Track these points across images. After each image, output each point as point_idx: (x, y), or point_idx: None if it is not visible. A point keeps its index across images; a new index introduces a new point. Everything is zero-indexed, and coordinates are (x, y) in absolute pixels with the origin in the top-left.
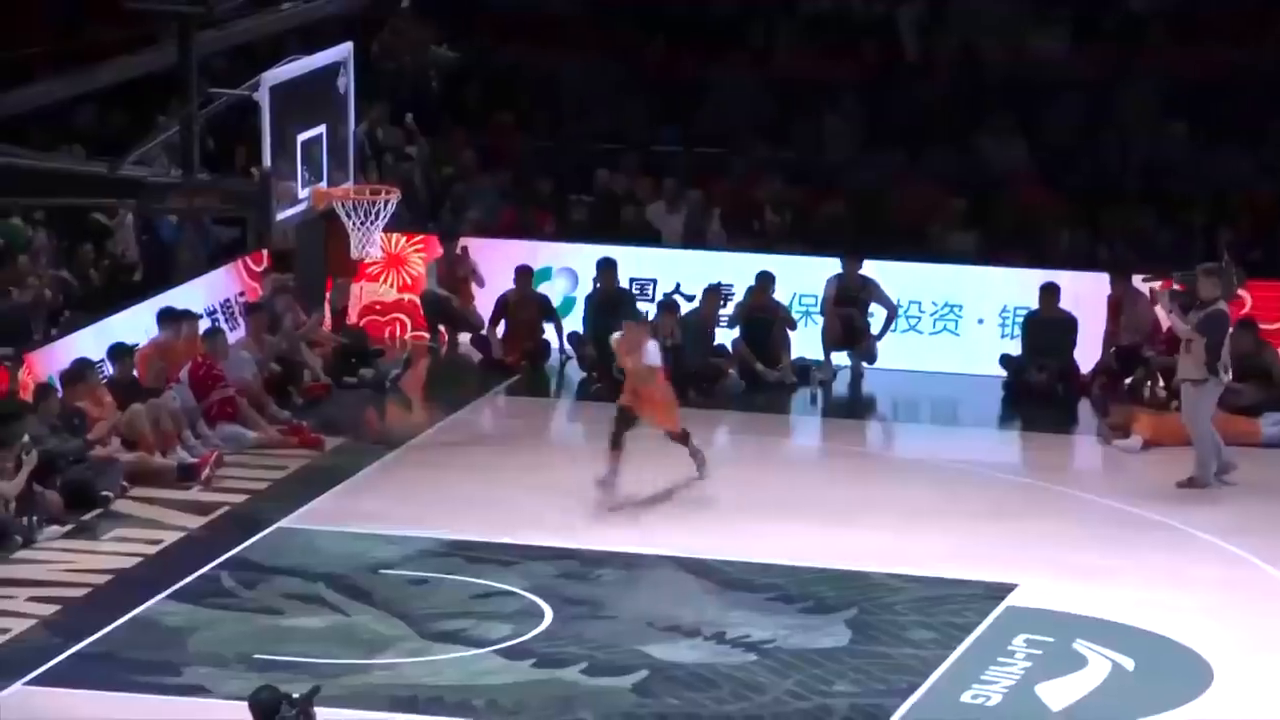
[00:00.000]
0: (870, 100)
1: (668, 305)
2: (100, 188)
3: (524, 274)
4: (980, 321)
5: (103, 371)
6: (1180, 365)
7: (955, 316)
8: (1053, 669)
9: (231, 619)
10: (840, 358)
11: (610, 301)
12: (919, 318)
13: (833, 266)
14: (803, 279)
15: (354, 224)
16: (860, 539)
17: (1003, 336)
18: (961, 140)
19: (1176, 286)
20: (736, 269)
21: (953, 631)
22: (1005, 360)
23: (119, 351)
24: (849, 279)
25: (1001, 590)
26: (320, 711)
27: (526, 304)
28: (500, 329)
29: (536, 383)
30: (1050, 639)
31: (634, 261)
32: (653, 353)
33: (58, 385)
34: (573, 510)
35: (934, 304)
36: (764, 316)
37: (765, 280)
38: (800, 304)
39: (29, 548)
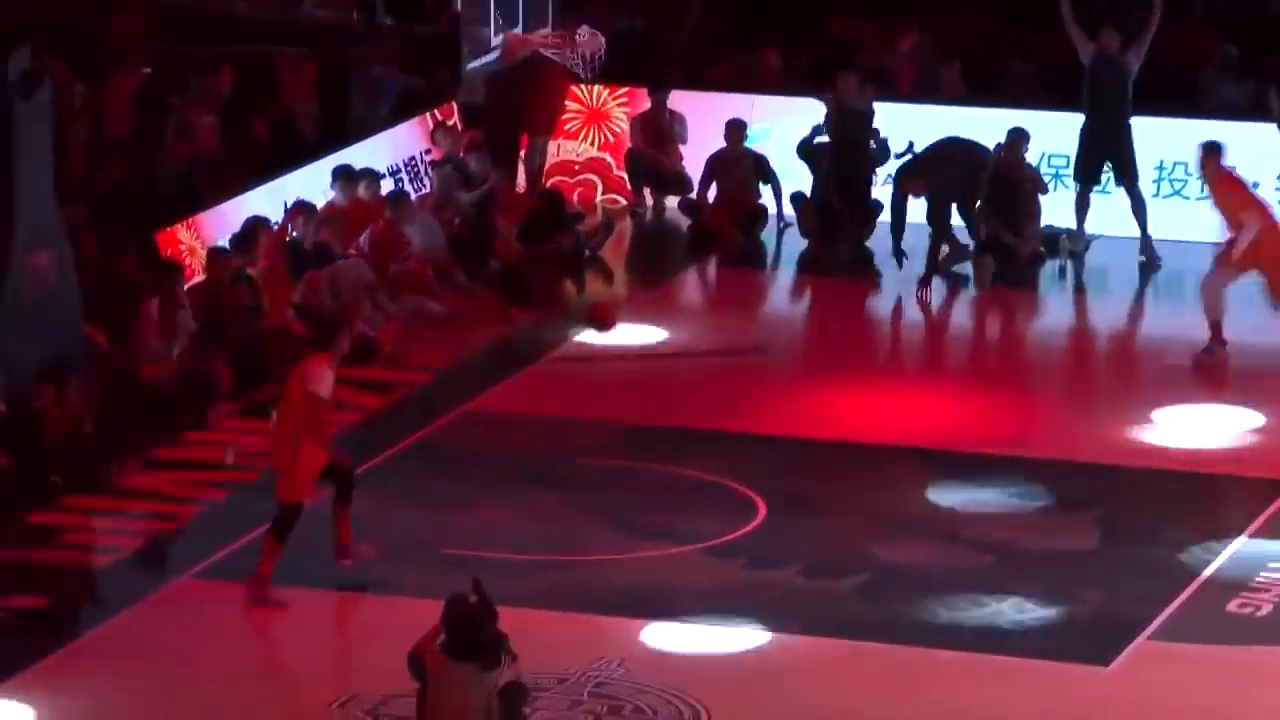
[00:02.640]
0: None
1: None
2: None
3: (736, 129)
4: (1256, 185)
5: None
6: None
7: None
8: None
9: (416, 509)
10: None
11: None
12: (1185, 180)
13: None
14: (1053, 138)
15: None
16: (1111, 429)
17: None
18: None
19: None
20: (978, 125)
21: (1218, 533)
22: None
23: (301, 209)
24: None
25: (1273, 487)
26: (513, 612)
27: (739, 163)
28: (711, 192)
29: (751, 252)
30: None
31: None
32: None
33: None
34: (789, 395)
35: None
36: (1012, 179)
37: (1017, 138)
38: (1049, 165)
39: (197, 427)
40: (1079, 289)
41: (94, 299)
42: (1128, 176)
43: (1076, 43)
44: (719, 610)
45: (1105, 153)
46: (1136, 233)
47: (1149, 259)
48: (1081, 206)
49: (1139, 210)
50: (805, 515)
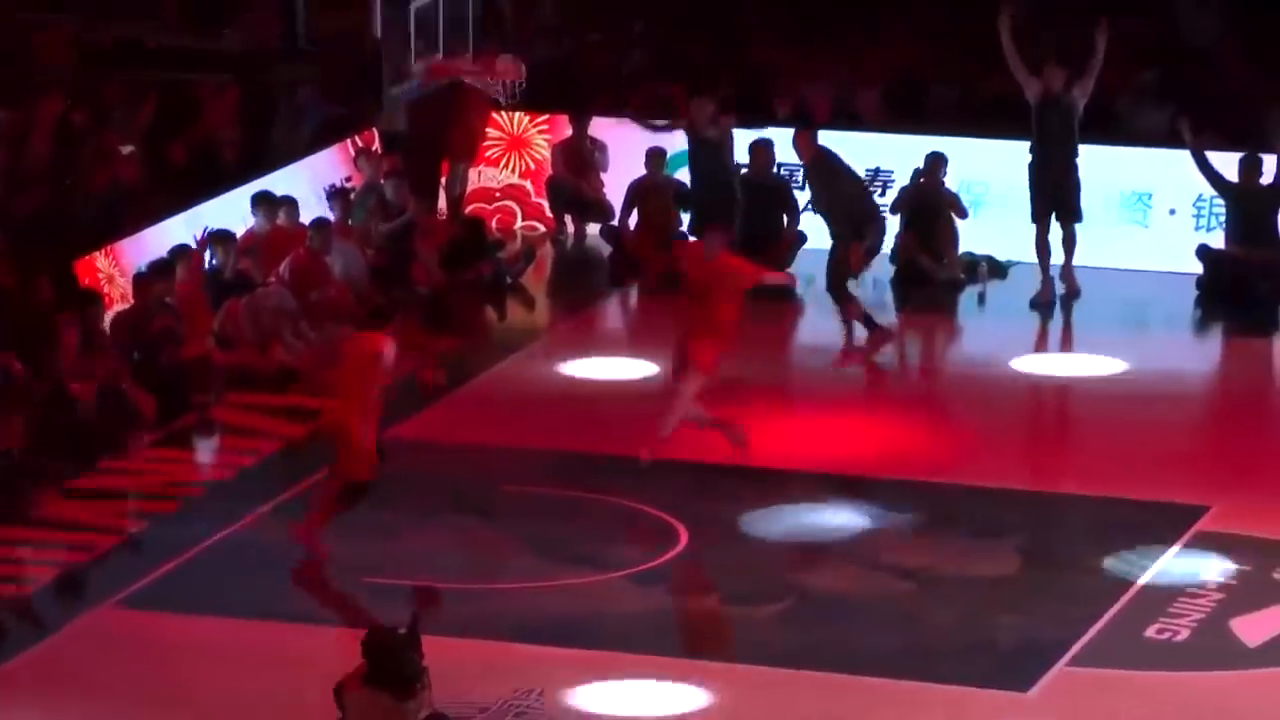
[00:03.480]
0: None
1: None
2: (197, 60)
3: (656, 157)
4: (1172, 212)
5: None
6: None
7: (1144, 206)
8: (1249, 601)
9: (337, 538)
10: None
11: (763, 189)
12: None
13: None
14: (971, 164)
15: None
16: (1031, 456)
17: (1198, 229)
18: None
19: None
20: (898, 152)
21: (1136, 559)
22: (1203, 252)
23: (220, 238)
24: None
25: (1192, 513)
26: (436, 640)
27: (660, 191)
28: (633, 219)
29: (673, 279)
30: (1246, 567)
31: (786, 144)
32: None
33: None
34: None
35: (1120, 192)
36: (931, 204)
37: (935, 162)
38: (970, 191)
39: (117, 457)
40: (998, 314)
41: (10, 326)
42: (1069, 216)
43: (1021, 82)
44: (641, 638)
45: (1052, 191)
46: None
47: (1069, 288)
48: (1042, 250)
49: (1069, 244)
50: (727, 542)
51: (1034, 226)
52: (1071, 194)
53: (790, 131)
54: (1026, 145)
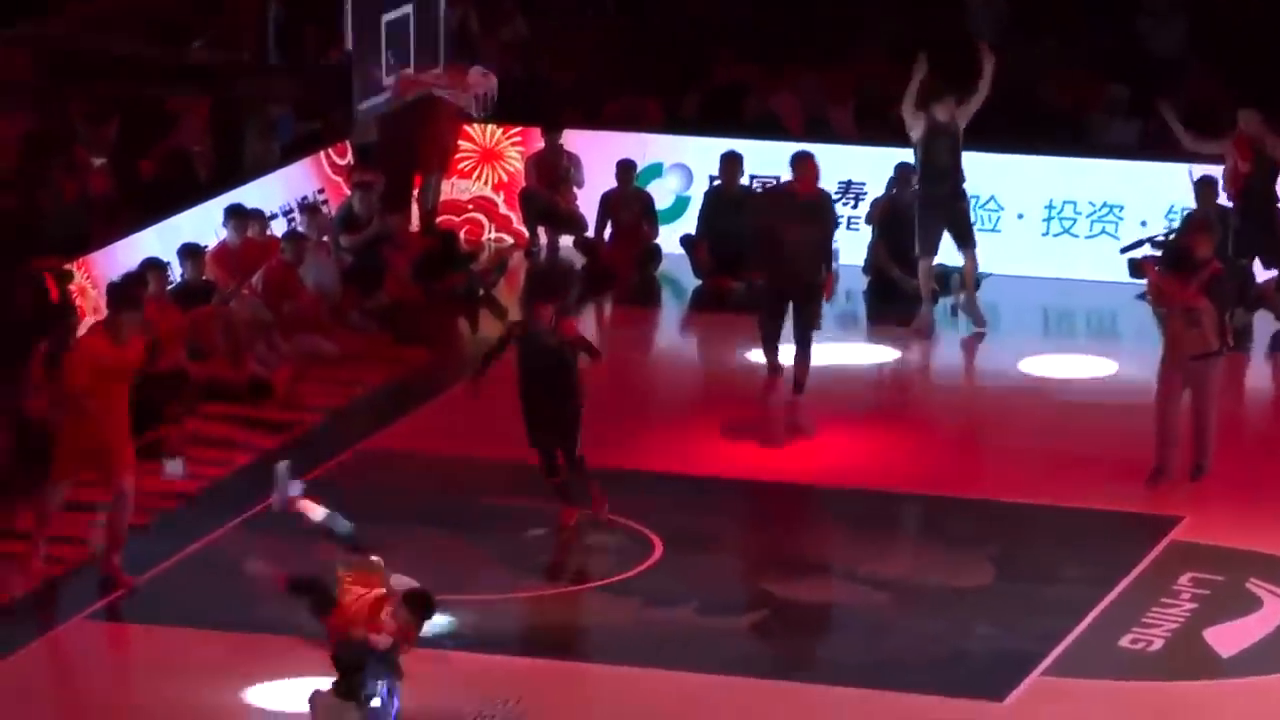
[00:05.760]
0: None
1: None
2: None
3: (626, 169)
4: (1143, 224)
5: (170, 275)
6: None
7: (1115, 219)
8: (1222, 611)
9: (310, 549)
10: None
11: (733, 201)
12: (1074, 219)
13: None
14: None
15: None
16: (1004, 467)
17: None
18: (1120, 22)
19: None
20: (869, 164)
21: (1109, 569)
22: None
23: (190, 252)
24: None
25: (1165, 524)
26: (409, 651)
27: (629, 203)
28: (607, 231)
29: (646, 291)
30: (1219, 577)
31: (755, 156)
32: None
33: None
34: (684, 433)
35: (1091, 204)
36: (902, 216)
37: (905, 173)
38: None
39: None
40: (970, 326)
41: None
42: (967, 243)
43: (907, 118)
44: (614, 649)
45: (944, 223)
46: (1026, 271)
47: (974, 320)
48: (927, 279)
49: (972, 273)
50: (701, 553)
51: (924, 262)
52: (966, 221)
53: (760, 144)
54: (989, 158)
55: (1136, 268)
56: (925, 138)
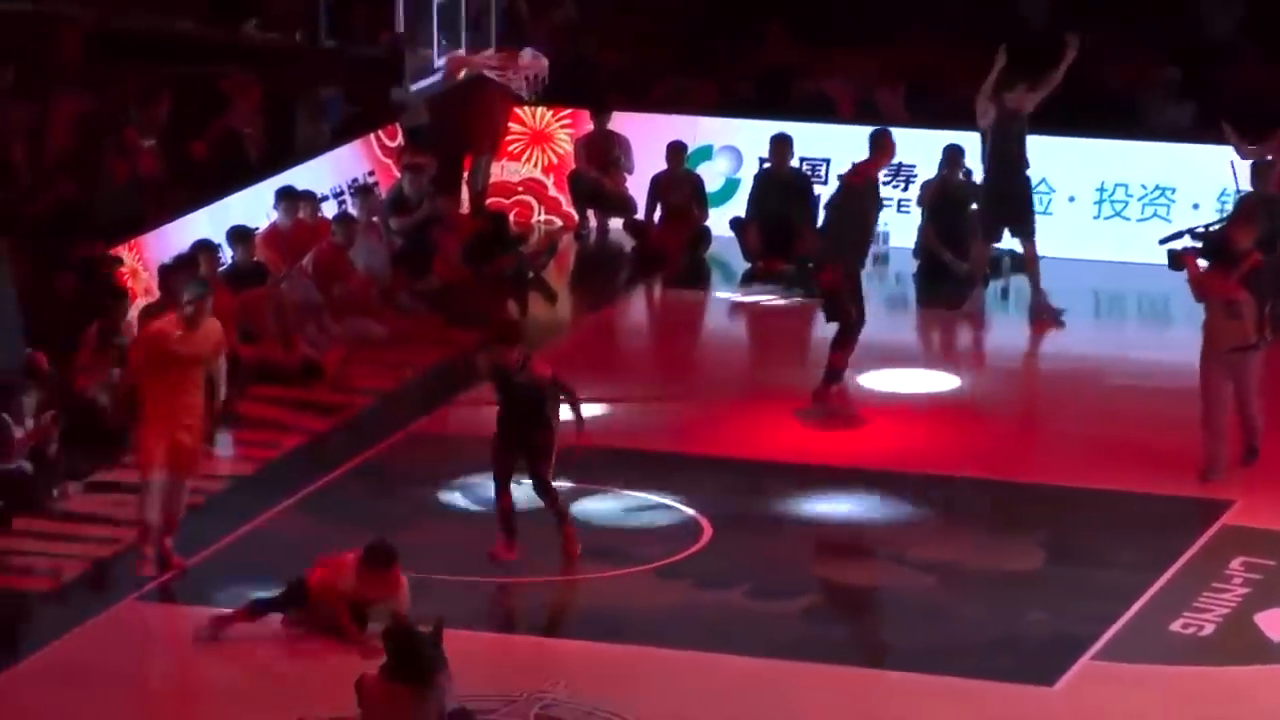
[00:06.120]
0: None
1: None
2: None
3: (676, 151)
4: (1195, 207)
5: (221, 257)
6: None
7: (1167, 201)
8: (1274, 595)
9: (360, 531)
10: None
11: (782, 183)
12: (1125, 202)
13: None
14: None
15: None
16: (1055, 451)
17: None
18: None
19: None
20: (919, 146)
21: (1160, 554)
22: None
23: (239, 235)
24: None
25: (1216, 508)
26: (459, 634)
27: (679, 185)
28: (657, 214)
29: (695, 273)
30: (1271, 562)
31: (805, 138)
32: None
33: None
34: (734, 416)
35: (1143, 186)
36: (954, 198)
37: (955, 155)
38: None
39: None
40: (1021, 310)
41: (34, 321)
42: (1028, 234)
43: (980, 106)
44: (665, 632)
45: (1008, 211)
46: (1077, 254)
47: (1050, 314)
48: (981, 263)
49: (1033, 265)
50: (751, 536)
51: (986, 245)
52: (1030, 211)
53: (809, 126)
54: (1041, 140)
55: (1176, 259)
56: (995, 125)
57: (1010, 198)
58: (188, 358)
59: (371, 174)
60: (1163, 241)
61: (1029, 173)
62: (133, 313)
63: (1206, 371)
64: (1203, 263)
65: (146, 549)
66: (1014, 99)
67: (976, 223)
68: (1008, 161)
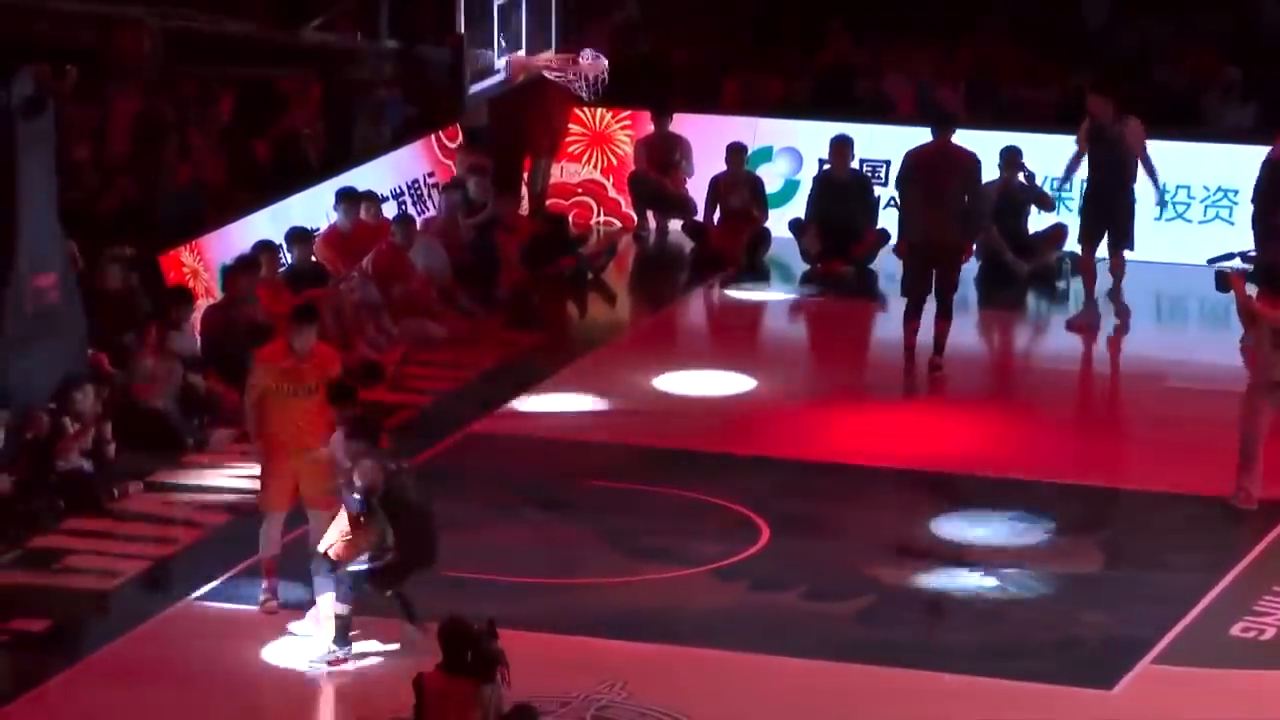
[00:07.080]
0: None
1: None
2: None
3: (736, 153)
4: None
5: (281, 258)
6: None
7: (1229, 203)
8: None
9: None
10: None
11: (842, 185)
12: (1188, 204)
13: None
14: (1053, 158)
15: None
16: (1115, 453)
17: None
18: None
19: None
20: (979, 147)
21: (1220, 556)
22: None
23: (298, 236)
24: None
25: (1277, 511)
26: (515, 635)
27: (738, 187)
28: (716, 215)
29: (755, 275)
30: None
31: (865, 140)
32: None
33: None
34: (792, 418)
35: (1205, 188)
36: (1017, 199)
37: (1013, 156)
38: (1052, 185)
39: (199, 451)
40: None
41: (96, 322)
42: (1120, 242)
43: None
44: (721, 633)
45: (1107, 217)
46: (1139, 257)
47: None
48: (1090, 271)
49: (1118, 271)
50: (808, 538)
51: (1084, 251)
52: (1128, 225)
53: (869, 127)
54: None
55: (1223, 281)
56: (1091, 130)
57: (1115, 208)
58: (291, 386)
59: (431, 175)
60: (1211, 262)
61: (1134, 184)
62: (195, 315)
63: (1251, 400)
64: (1251, 288)
65: (267, 583)
66: (1102, 107)
67: (1081, 231)
68: (1103, 167)
